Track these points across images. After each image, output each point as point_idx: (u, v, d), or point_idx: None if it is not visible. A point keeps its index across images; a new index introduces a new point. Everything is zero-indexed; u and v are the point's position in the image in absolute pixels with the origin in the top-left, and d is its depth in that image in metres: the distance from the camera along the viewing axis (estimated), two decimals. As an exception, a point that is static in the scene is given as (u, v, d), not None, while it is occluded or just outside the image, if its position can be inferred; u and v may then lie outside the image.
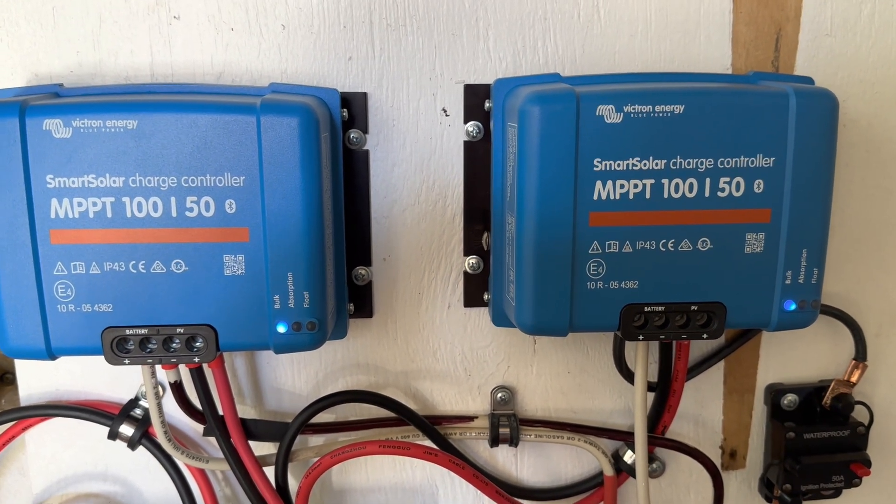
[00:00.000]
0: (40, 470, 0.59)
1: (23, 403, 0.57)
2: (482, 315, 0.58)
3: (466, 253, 0.56)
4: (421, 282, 0.57)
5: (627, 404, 0.61)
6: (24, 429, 0.57)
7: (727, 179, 0.47)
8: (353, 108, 0.53)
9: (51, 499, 0.60)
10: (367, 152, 0.54)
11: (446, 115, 0.54)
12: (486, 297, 0.57)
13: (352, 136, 0.54)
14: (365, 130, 0.54)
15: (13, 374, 0.58)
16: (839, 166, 0.55)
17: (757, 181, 0.47)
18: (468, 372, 0.59)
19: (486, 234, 0.56)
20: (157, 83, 0.52)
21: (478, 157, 0.54)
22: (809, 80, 0.52)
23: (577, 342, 0.59)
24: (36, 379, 0.57)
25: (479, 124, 0.54)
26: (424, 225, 0.56)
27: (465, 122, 0.54)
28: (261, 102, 0.45)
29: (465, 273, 0.57)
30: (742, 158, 0.47)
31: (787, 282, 0.48)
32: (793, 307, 0.49)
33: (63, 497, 0.60)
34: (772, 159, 0.47)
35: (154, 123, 0.44)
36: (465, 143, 0.54)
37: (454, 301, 0.57)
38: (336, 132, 0.52)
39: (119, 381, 0.57)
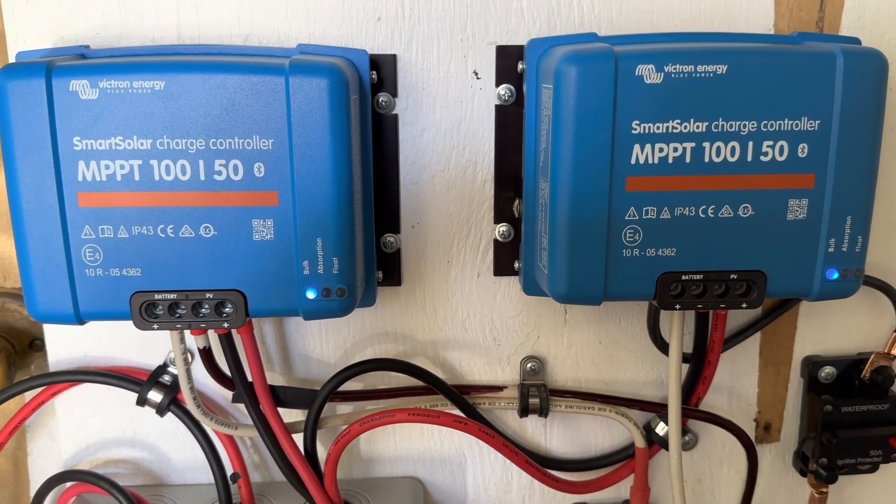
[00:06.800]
0: (70, 435, 0.59)
1: (52, 369, 0.58)
2: (512, 284, 0.57)
3: (497, 220, 0.55)
4: (450, 250, 0.56)
5: (659, 376, 0.59)
6: (54, 394, 0.57)
7: (770, 143, 0.45)
8: (382, 71, 0.52)
9: (80, 464, 0.60)
10: (395, 116, 0.53)
11: (477, 78, 0.53)
12: (516, 265, 0.56)
13: (381, 99, 0.52)
14: (394, 94, 0.53)
15: (42, 340, 0.58)
16: (886, 131, 0.53)
17: (801, 145, 0.45)
18: (497, 341, 0.58)
19: (517, 201, 0.54)
20: (183, 44, 0.51)
21: (510, 121, 0.53)
22: (856, 41, 0.50)
23: (609, 312, 0.58)
24: (65, 345, 0.57)
25: (512, 87, 0.52)
26: (454, 192, 0.55)
27: (497, 85, 0.53)
28: (289, 63, 0.44)
29: (496, 241, 0.56)
30: (786, 121, 0.45)
31: (830, 250, 0.47)
32: (835, 276, 0.47)
33: (92, 462, 0.60)
34: (817, 122, 0.45)
35: (181, 84, 0.43)
36: (497, 106, 0.53)
37: (484, 269, 0.57)
38: (365, 95, 0.50)
39: (148, 348, 0.57)
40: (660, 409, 0.58)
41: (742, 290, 0.48)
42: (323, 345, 0.58)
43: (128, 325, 0.47)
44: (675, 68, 0.44)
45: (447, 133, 0.54)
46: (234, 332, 0.51)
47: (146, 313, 0.46)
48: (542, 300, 0.57)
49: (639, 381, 0.59)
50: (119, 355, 0.58)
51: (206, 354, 0.53)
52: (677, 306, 0.47)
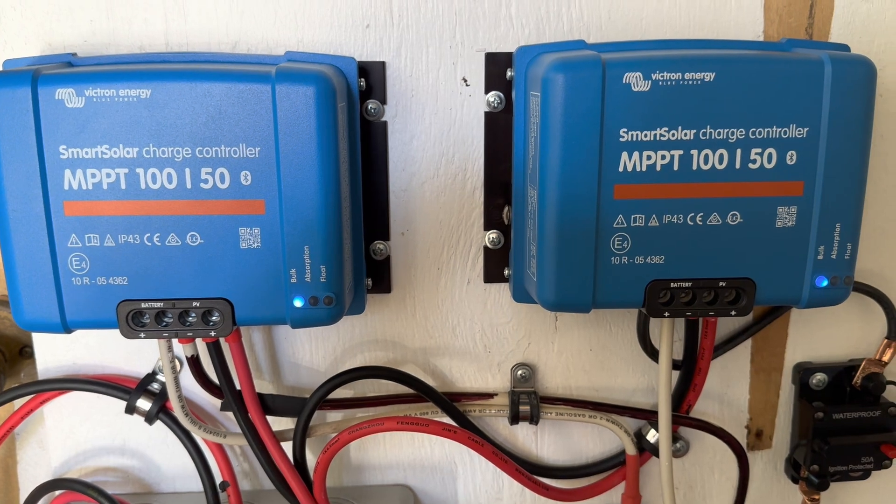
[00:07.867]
0: (59, 443, 0.59)
1: (41, 377, 0.57)
2: (502, 291, 0.57)
3: (487, 227, 0.55)
4: (440, 257, 0.56)
5: (650, 383, 0.59)
6: (43, 402, 0.57)
7: (759, 150, 0.45)
8: (371, 78, 0.52)
9: (69, 472, 0.60)
10: (384, 123, 0.53)
11: (467, 85, 0.53)
12: (506, 272, 0.56)
13: (369, 106, 0.52)
14: (383, 101, 0.53)
15: (31, 347, 0.58)
16: (874, 138, 0.53)
17: (790, 152, 0.45)
18: (488, 349, 0.58)
19: (507, 208, 0.54)
20: (171, 52, 0.51)
21: (499, 128, 0.53)
22: (845, 48, 0.50)
23: (599, 319, 0.58)
24: (53, 353, 0.57)
25: (501, 94, 0.52)
26: (444, 199, 0.55)
27: (486, 91, 0.53)
28: (276, 71, 0.44)
29: (486, 248, 0.56)
30: (774, 129, 0.45)
31: (820, 257, 0.47)
32: (825, 283, 0.47)
33: (81, 470, 0.60)
34: (805, 129, 0.45)
35: (168, 93, 0.43)
36: (486, 113, 0.53)
37: (474, 276, 0.56)
38: (353, 102, 0.50)
39: (136, 356, 0.57)
40: (651, 416, 0.58)
41: (731, 298, 0.47)
42: (312, 352, 0.58)
43: (116, 334, 0.46)
44: (662, 76, 0.44)
45: (436, 140, 0.53)
46: (222, 340, 0.51)
47: (133, 322, 0.46)
48: (532, 307, 0.57)
49: (629, 388, 0.59)
50: (108, 363, 0.57)
51: (194, 363, 0.53)
52: (666, 314, 0.47)
